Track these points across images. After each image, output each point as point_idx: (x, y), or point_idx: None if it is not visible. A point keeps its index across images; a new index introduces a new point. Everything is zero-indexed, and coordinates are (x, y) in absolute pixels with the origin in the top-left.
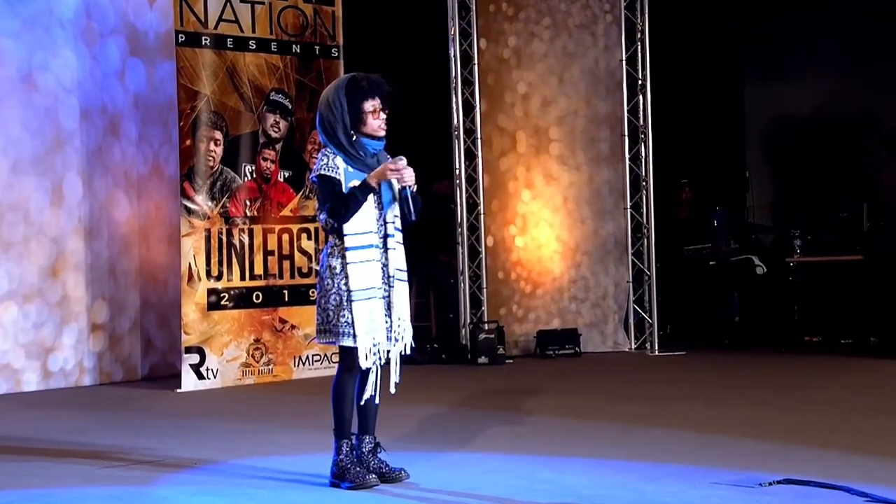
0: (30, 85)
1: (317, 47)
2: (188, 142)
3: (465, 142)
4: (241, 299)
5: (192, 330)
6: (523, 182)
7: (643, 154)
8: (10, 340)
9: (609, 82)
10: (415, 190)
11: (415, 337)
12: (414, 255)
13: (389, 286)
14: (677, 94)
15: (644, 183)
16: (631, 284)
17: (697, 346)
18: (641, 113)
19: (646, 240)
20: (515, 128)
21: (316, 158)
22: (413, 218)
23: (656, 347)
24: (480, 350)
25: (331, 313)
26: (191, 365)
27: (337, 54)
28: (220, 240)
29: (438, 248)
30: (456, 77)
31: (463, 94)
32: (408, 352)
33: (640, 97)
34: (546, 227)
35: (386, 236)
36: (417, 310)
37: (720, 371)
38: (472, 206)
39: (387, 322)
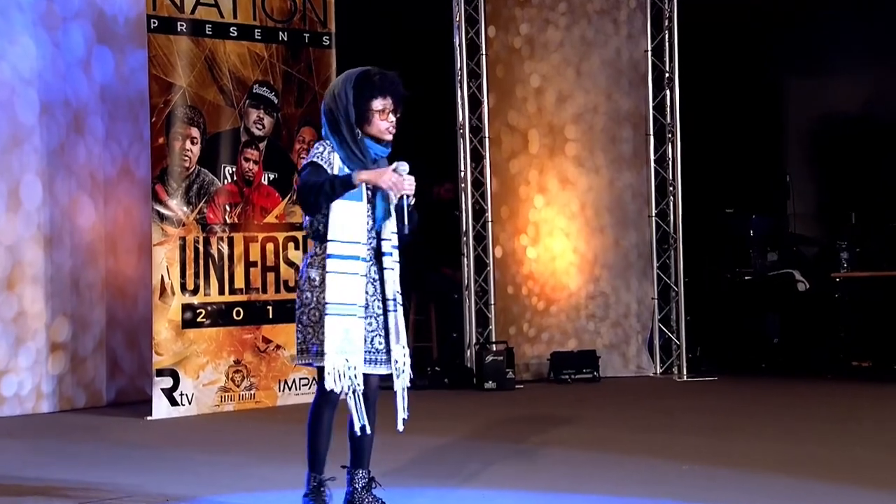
0: None
1: (306, 35)
2: (161, 140)
3: (471, 141)
4: (220, 316)
5: (164, 350)
6: (536, 186)
7: (670, 156)
8: None
9: (632, 75)
10: (412, 202)
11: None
12: (414, 267)
13: (387, 310)
14: (709, 89)
15: (671, 188)
16: (656, 301)
17: (731, 371)
18: (668, 110)
19: (673, 252)
20: (527, 126)
21: (306, 156)
22: (406, 232)
23: (684, 372)
24: (487, 374)
25: (310, 331)
26: (163, 389)
27: (328, 43)
28: (196, 249)
29: (441, 259)
30: (461, 69)
31: (469, 87)
32: (406, 383)
33: (668, 92)
34: (561, 237)
35: (381, 254)
36: (417, 328)
37: (756, 399)
38: (479, 212)
39: (379, 345)
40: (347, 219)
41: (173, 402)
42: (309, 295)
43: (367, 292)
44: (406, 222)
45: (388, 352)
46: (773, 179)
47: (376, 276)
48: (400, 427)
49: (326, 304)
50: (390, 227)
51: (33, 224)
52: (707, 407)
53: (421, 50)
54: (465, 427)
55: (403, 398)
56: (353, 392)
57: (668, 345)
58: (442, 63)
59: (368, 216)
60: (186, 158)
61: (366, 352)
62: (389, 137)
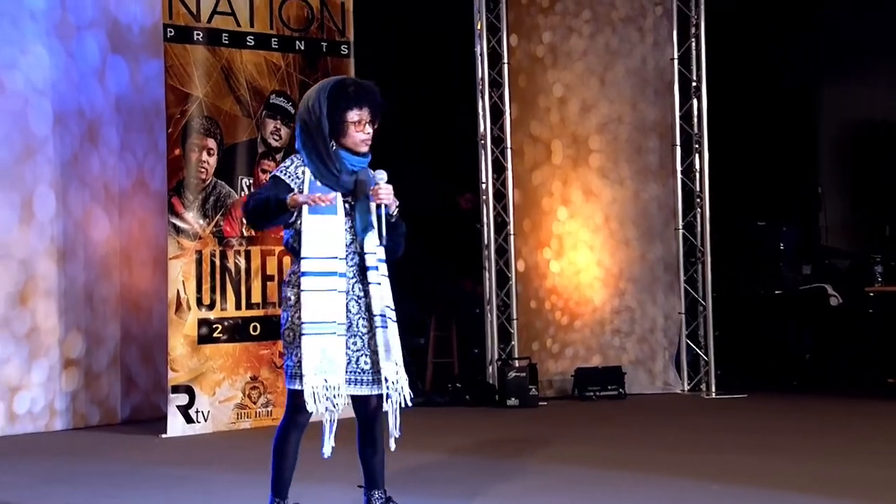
0: None
1: (324, 44)
2: (177, 151)
3: (492, 152)
4: (237, 331)
5: (179, 366)
6: (559, 198)
7: (697, 166)
8: None
9: (658, 84)
10: (394, 212)
11: (436, 375)
12: (434, 281)
13: (376, 326)
14: (737, 97)
15: (699, 199)
16: (684, 316)
17: (761, 388)
18: (696, 119)
19: (701, 265)
20: (550, 136)
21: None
22: (385, 243)
23: (713, 389)
24: (510, 390)
25: (287, 352)
26: (178, 406)
27: (347, 52)
28: (212, 263)
29: (462, 273)
30: (483, 78)
31: (491, 97)
32: (407, 403)
33: (695, 101)
34: (585, 250)
35: (365, 268)
36: (438, 344)
37: (787, 417)
38: (501, 225)
39: (365, 365)
40: (322, 234)
41: (189, 420)
42: (286, 315)
43: (350, 310)
44: (384, 233)
45: (377, 371)
46: (805, 190)
47: (361, 293)
48: (392, 446)
49: (302, 323)
50: (374, 241)
51: (46, 237)
52: (736, 425)
53: (441, 59)
54: (486, 445)
55: (396, 417)
56: (329, 413)
57: (695, 361)
58: (463, 72)
59: (347, 230)
60: (203, 170)
61: (350, 372)
62: (364, 149)
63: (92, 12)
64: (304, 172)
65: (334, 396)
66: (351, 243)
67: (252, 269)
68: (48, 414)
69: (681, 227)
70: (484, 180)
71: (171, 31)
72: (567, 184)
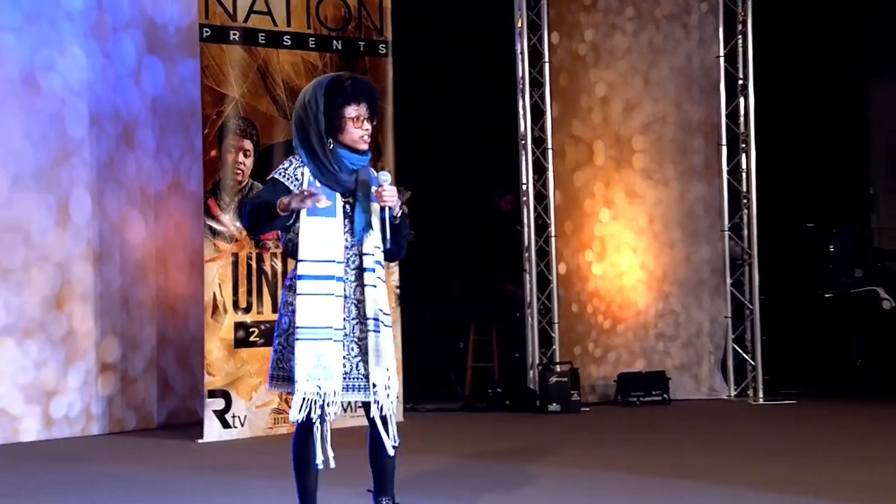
0: (32, 87)
1: (361, 43)
2: (213, 152)
3: (533, 152)
4: (274, 335)
5: (216, 370)
6: (602, 200)
7: (744, 166)
8: (7, 382)
9: (704, 82)
10: (398, 214)
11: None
12: (474, 284)
13: (368, 330)
14: (785, 96)
15: (745, 200)
16: (730, 320)
17: (810, 394)
18: (742, 118)
19: (748, 267)
20: (593, 136)
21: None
22: (388, 246)
23: (760, 395)
24: (551, 396)
25: (281, 356)
26: (214, 411)
27: (385, 51)
28: (249, 266)
29: (502, 276)
30: (523, 77)
31: (531, 96)
32: (390, 410)
33: (741, 99)
34: (628, 253)
35: (362, 270)
36: (478, 348)
37: (837, 424)
38: (542, 227)
39: (362, 370)
40: (319, 236)
41: (225, 425)
42: (286, 319)
43: (349, 315)
44: (387, 235)
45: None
46: (855, 191)
47: (360, 297)
48: (391, 452)
49: (297, 328)
50: (372, 242)
51: (83, 239)
52: (784, 432)
53: (481, 58)
54: (526, 451)
55: (389, 426)
56: (321, 422)
57: (742, 366)
58: (503, 71)
59: (346, 232)
60: (239, 172)
61: (350, 378)
62: (364, 147)
63: (129, 13)
64: (303, 173)
65: (327, 404)
66: (351, 246)
67: (288, 272)
68: (84, 418)
69: (727, 228)
70: (524, 181)
71: (207, 31)
72: (610, 185)
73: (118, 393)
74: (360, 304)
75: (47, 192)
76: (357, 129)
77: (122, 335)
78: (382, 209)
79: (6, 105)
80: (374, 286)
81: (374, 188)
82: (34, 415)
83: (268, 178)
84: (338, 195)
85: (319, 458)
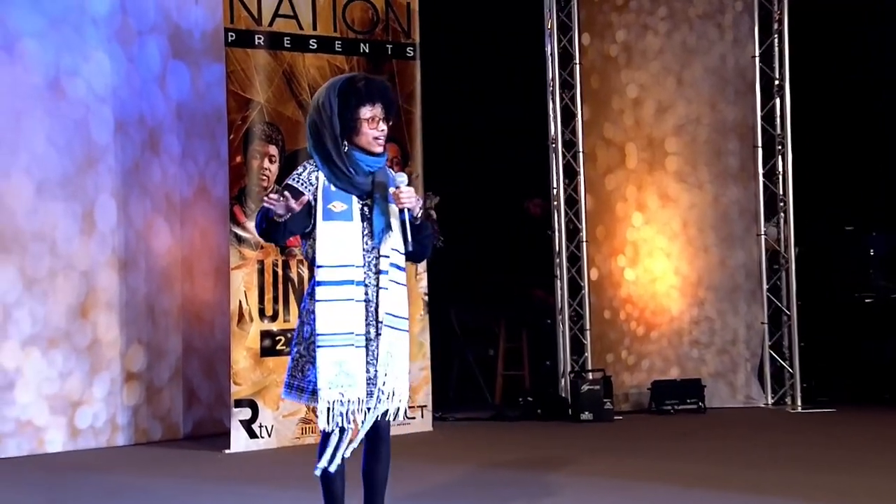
0: (57, 93)
1: (389, 46)
2: (239, 158)
3: (564, 156)
4: (293, 342)
5: (242, 380)
6: (634, 204)
7: (780, 169)
8: (32, 392)
9: (739, 83)
10: (418, 215)
11: (506, 388)
12: (503, 290)
13: (377, 333)
14: (822, 96)
15: (782, 204)
16: (767, 326)
17: (850, 402)
18: (779, 119)
19: (785, 272)
20: (624, 139)
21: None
22: (410, 249)
23: (799, 403)
24: (583, 404)
25: (301, 364)
26: (241, 421)
27: (413, 54)
28: (275, 273)
29: (532, 282)
30: (553, 79)
31: (562, 99)
32: (401, 417)
33: (777, 100)
34: (662, 258)
35: (378, 272)
36: (508, 356)
37: (879, 433)
38: (573, 232)
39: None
40: (337, 241)
41: (252, 435)
42: (308, 327)
43: (371, 319)
44: (409, 237)
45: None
46: None
47: (373, 300)
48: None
49: (317, 335)
50: (390, 244)
51: (108, 247)
52: (823, 441)
53: (510, 60)
54: (558, 460)
55: (387, 430)
56: (342, 431)
57: (780, 373)
58: (532, 73)
59: (365, 235)
60: (265, 178)
61: (373, 386)
62: (379, 148)
63: (153, 17)
64: (317, 178)
65: (352, 412)
66: (371, 249)
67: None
68: (110, 429)
69: (763, 232)
70: (555, 185)
71: (232, 36)
72: (642, 188)
73: (143, 403)
74: (375, 307)
75: (72, 200)
76: (372, 129)
77: (147, 344)
78: (402, 211)
79: (30, 111)
80: (387, 289)
81: (391, 189)
82: (59, 426)
83: (282, 185)
84: (354, 198)
85: (325, 462)
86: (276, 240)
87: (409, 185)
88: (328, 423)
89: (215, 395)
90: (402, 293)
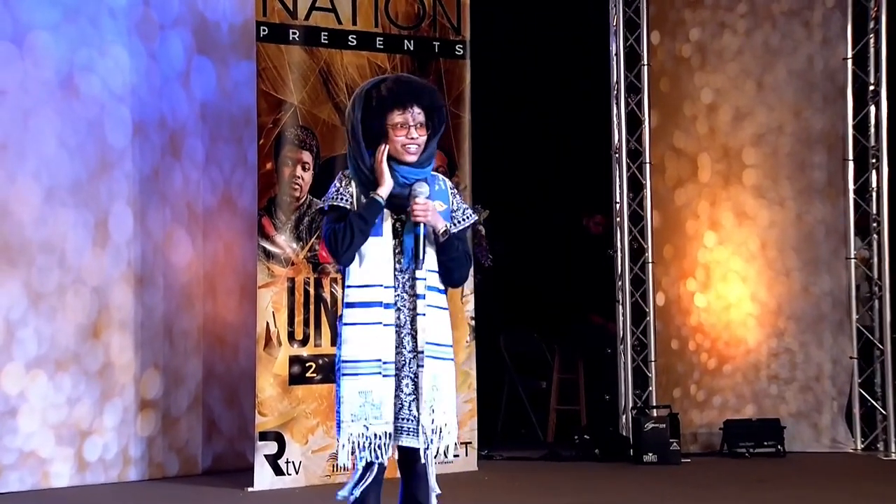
0: (70, 91)
1: (436, 43)
2: (269, 165)
3: (628, 167)
4: (332, 370)
5: (268, 410)
6: (706, 221)
7: (874, 184)
8: (37, 420)
9: (827, 88)
10: (441, 230)
11: (560, 424)
12: (559, 316)
13: (419, 364)
14: None
15: (875, 224)
16: (856, 361)
17: None
18: (873, 129)
19: (877, 301)
20: (697, 149)
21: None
22: (420, 268)
23: (893, 448)
24: (646, 444)
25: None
26: (266, 456)
27: (462, 52)
28: (306, 292)
29: (590, 306)
30: (618, 82)
31: (627, 104)
32: (449, 457)
33: (872, 108)
34: (737, 282)
35: (415, 296)
36: (562, 388)
37: None
38: (638, 252)
39: (414, 411)
40: (366, 259)
41: (278, 472)
42: (338, 353)
43: (404, 347)
44: (421, 257)
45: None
46: None
47: (406, 326)
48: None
49: (342, 362)
50: (427, 265)
51: (123, 261)
52: None
53: (571, 60)
54: None
55: (430, 469)
56: (368, 467)
57: (870, 414)
58: (595, 75)
59: (398, 253)
60: (297, 187)
61: (401, 419)
62: (410, 158)
63: (177, 9)
64: (353, 191)
65: (378, 447)
66: (405, 269)
67: None
68: (121, 462)
69: (853, 255)
70: (618, 200)
71: (264, 30)
72: (716, 204)
73: (159, 434)
74: (411, 334)
75: (84, 208)
76: (400, 136)
77: (164, 369)
78: (416, 225)
79: (40, 110)
80: (424, 315)
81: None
82: (66, 458)
83: (324, 210)
84: (387, 212)
85: (345, 492)
86: (348, 254)
87: (428, 196)
88: (347, 458)
89: (238, 427)
90: (444, 318)
